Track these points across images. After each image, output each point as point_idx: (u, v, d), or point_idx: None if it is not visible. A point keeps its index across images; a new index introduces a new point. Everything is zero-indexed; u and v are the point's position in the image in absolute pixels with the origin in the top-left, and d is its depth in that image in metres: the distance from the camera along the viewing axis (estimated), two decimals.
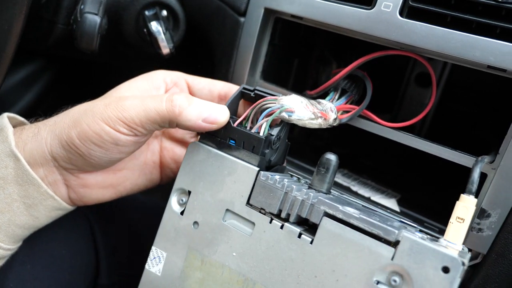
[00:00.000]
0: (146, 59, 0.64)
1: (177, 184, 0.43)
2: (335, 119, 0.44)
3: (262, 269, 0.38)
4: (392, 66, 0.67)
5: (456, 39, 0.42)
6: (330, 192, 0.41)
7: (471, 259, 0.45)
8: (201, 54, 0.64)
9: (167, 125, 0.41)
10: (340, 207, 0.36)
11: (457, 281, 0.32)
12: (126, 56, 0.68)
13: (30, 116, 0.47)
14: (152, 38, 0.54)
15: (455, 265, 0.32)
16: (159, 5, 0.56)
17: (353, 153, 0.55)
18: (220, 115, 0.41)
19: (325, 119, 0.43)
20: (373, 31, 0.45)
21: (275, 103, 0.42)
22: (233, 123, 0.42)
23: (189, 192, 0.42)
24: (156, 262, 0.43)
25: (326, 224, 0.36)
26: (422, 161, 0.55)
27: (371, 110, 0.66)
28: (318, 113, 0.42)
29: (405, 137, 0.47)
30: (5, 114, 0.44)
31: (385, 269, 0.34)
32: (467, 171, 0.42)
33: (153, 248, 0.44)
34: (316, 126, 0.43)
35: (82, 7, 0.49)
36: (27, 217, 0.43)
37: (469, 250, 0.44)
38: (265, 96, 0.43)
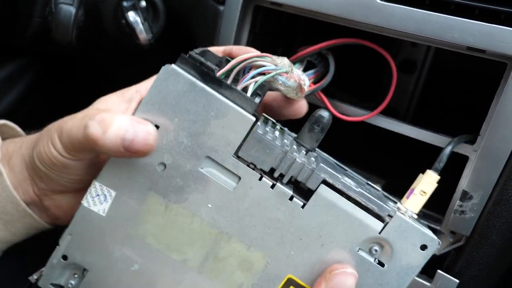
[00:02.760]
0: (127, 51, 0.64)
1: (140, 112, 0.35)
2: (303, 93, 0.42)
3: (242, 225, 0.36)
4: (375, 53, 0.66)
5: (435, 21, 0.42)
6: (315, 150, 0.39)
7: (454, 242, 0.45)
8: (182, 45, 0.63)
9: (95, 152, 0.36)
10: (340, 177, 0.36)
11: (429, 257, 0.36)
12: (107, 48, 0.67)
13: (13, 115, 0.46)
14: (130, 28, 0.53)
15: (433, 245, 0.35)
16: None
17: (336, 140, 0.55)
18: (144, 142, 0.33)
19: (302, 92, 0.41)
20: (352, 15, 0.45)
21: (269, 62, 0.37)
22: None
23: (157, 127, 0.35)
24: (99, 201, 0.37)
25: (323, 192, 0.35)
26: (407, 146, 0.55)
27: (356, 98, 0.65)
28: (302, 85, 0.40)
29: (384, 120, 0.47)
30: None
31: (370, 240, 0.36)
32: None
33: (96, 183, 0.37)
34: (293, 97, 0.41)
35: None
36: (4, 232, 0.41)
37: (453, 232, 0.45)
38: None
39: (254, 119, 0.34)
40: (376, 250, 0.36)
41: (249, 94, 0.36)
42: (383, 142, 0.57)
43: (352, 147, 0.67)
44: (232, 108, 0.34)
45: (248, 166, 0.36)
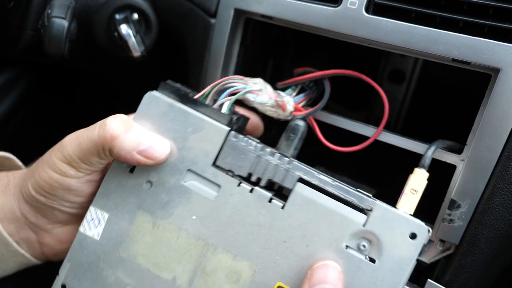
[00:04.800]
0: (119, 64, 0.64)
1: None
2: (290, 113, 0.44)
3: (226, 233, 0.36)
4: (365, 63, 0.67)
5: (421, 33, 0.43)
6: (294, 159, 0.40)
7: (444, 250, 0.45)
8: (174, 57, 0.64)
9: (103, 155, 0.37)
10: (316, 174, 0.36)
11: (421, 246, 0.34)
12: (99, 61, 0.68)
13: (3, 127, 0.46)
14: (122, 41, 0.54)
15: (422, 232, 0.34)
16: (130, 8, 0.56)
17: (329, 151, 0.55)
18: (160, 150, 0.36)
19: (283, 110, 0.42)
20: (340, 28, 0.46)
21: (240, 83, 0.41)
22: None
23: None
24: (94, 225, 0.38)
25: (300, 190, 0.36)
26: (398, 156, 0.55)
27: (347, 108, 0.66)
28: (279, 102, 0.42)
29: (368, 129, 0.48)
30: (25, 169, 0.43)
31: (356, 235, 0.35)
32: (439, 163, 0.43)
33: (91, 208, 0.38)
34: (274, 115, 0.43)
35: (49, 11, 0.48)
36: None
37: (442, 241, 0.45)
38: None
39: (228, 128, 0.37)
40: (364, 246, 0.35)
41: (224, 111, 0.39)
42: (373, 152, 0.57)
43: (342, 158, 0.67)
44: (207, 122, 0.37)
45: (226, 173, 0.37)
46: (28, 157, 0.48)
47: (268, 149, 0.37)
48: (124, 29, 0.54)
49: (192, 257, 0.37)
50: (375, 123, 0.49)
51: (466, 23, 0.42)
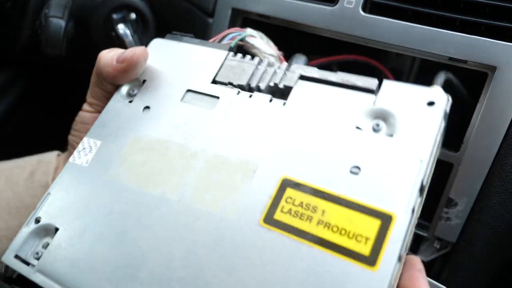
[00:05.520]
0: None
1: None
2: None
3: (224, 137, 0.34)
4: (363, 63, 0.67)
5: (417, 32, 0.43)
6: None
7: (441, 249, 0.45)
8: None
9: (100, 82, 0.39)
10: (316, 69, 0.34)
11: (443, 113, 0.30)
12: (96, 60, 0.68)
13: (2, 126, 0.47)
14: (120, 41, 0.54)
15: (440, 98, 0.30)
16: (127, 8, 0.56)
17: None
18: (136, 51, 0.37)
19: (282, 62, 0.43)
20: (337, 27, 0.46)
21: (242, 31, 0.43)
22: None
23: (144, 81, 0.39)
24: (84, 153, 0.37)
25: (302, 84, 0.34)
26: None
27: None
28: (280, 55, 0.43)
29: None
30: (56, 152, 0.47)
31: (368, 116, 0.31)
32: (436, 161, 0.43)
33: (84, 139, 0.37)
34: None
35: (46, 11, 0.48)
36: None
37: (439, 239, 0.45)
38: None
39: (227, 51, 0.38)
40: (377, 125, 0.31)
41: None
42: None
43: None
44: (209, 49, 0.39)
45: (225, 86, 0.37)
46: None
47: (266, 62, 0.37)
48: (122, 28, 0.54)
49: (186, 168, 0.33)
50: None
51: (463, 21, 0.42)
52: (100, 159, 0.36)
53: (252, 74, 0.36)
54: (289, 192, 0.30)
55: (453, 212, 0.43)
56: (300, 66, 0.35)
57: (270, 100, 0.34)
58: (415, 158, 0.29)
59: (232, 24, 0.53)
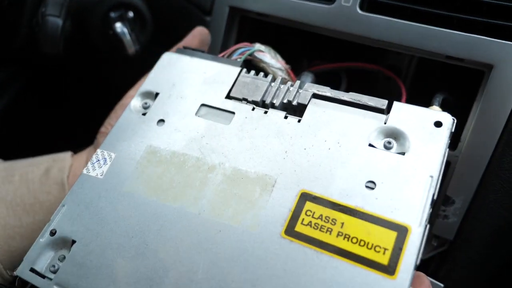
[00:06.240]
0: (115, 62, 0.64)
1: (143, 87, 0.40)
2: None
3: (241, 153, 0.35)
4: (362, 58, 0.67)
5: (415, 31, 0.43)
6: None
7: (438, 246, 0.46)
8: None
9: None
10: (329, 89, 0.36)
11: (449, 133, 0.32)
12: (94, 59, 0.67)
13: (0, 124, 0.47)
14: (117, 39, 0.54)
15: (446, 119, 0.32)
16: (125, 6, 0.56)
17: None
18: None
19: (292, 80, 0.44)
20: (335, 25, 0.46)
21: (250, 46, 0.43)
22: None
23: (157, 94, 0.40)
24: (98, 165, 0.37)
25: (315, 102, 0.35)
26: None
27: None
28: (288, 69, 0.43)
29: None
30: (69, 152, 0.47)
31: (379, 135, 0.33)
32: None
33: (98, 151, 0.37)
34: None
35: (43, 9, 0.48)
36: None
37: (437, 237, 0.45)
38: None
39: (240, 68, 0.39)
40: (389, 143, 0.33)
41: None
42: None
43: None
44: (221, 66, 0.39)
45: (240, 102, 0.37)
46: (25, 157, 0.47)
47: (280, 79, 0.38)
48: (119, 27, 0.54)
49: (204, 181, 0.34)
50: None
51: (460, 20, 0.42)
52: (115, 172, 0.36)
53: (266, 91, 0.37)
54: (309, 205, 0.31)
55: (450, 210, 0.43)
56: (313, 85, 0.37)
57: (285, 117, 0.36)
58: (426, 174, 0.31)
59: (229, 22, 0.53)
